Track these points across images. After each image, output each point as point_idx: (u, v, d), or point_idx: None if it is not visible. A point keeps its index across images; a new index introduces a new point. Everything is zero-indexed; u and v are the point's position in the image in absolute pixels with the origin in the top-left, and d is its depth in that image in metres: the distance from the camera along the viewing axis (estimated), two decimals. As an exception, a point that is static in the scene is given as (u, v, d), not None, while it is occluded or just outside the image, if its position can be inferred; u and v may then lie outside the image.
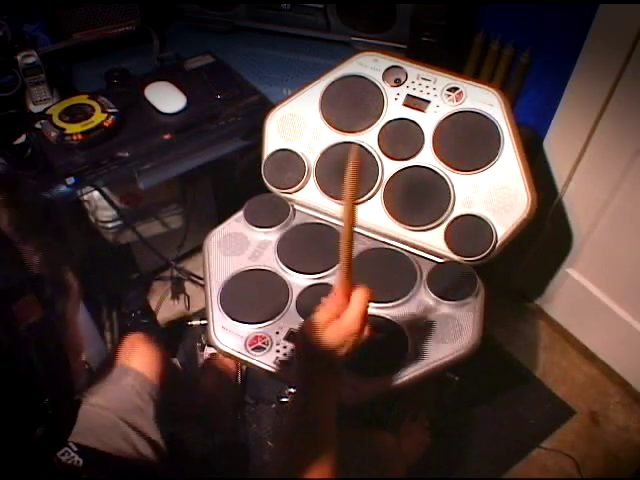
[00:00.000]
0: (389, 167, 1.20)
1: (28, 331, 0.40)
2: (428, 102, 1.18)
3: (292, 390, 1.24)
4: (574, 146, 1.38)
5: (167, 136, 1.24)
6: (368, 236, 1.22)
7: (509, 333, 1.70)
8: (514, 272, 1.71)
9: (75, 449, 0.74)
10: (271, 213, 1.25)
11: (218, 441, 1.45)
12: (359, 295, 0.68)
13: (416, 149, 1.18)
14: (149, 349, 1.09)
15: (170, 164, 1.23)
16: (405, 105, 1.20)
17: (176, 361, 1.59)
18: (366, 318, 0.69)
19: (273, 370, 1.02)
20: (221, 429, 1.47)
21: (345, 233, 0.69)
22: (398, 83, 1.21)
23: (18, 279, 0.40)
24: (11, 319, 0.39)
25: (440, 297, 1.09)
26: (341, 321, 0.67)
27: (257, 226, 1.23)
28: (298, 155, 1.24)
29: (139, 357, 1.06)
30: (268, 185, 1.27)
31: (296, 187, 1.25)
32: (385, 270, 1.16)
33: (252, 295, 1.12)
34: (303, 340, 0.68)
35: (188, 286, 1.78)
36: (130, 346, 1.08)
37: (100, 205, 1.37)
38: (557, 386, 1.60)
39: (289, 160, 1.25)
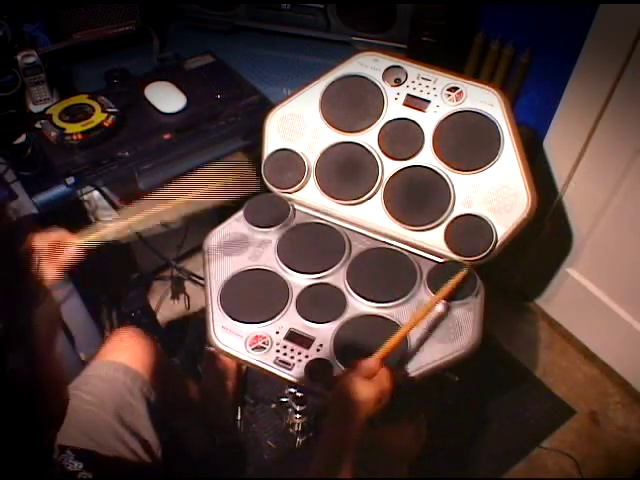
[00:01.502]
0: (389, 167, 1.20)
1: None
2: (428, 102, 1.18)
3: (292, 390, 1.24)
4: (574, 146, 1.38)
5: (167, 136, 1.24)
6: (368, 236, 1.22)
7: (509, 333, 1.70)
8: (514, 272, 1.71)
9: (73, 455, 0.73)
10: (271, 213, 1.25)
11: (218, 441, 1.45)
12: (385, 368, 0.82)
13: (416, 149, 1.18)
14: (139, 343, 1.06)
15: (170, 164, 1.23)
16: (405, 105, 1.20)
17: (176, 361, 1.59)
18: (394, 384, 0.81)
19: (273, 370, 1.02)
20: (221, 429, 1.47)
21: (412, 321, 0.90)
22: (398, 83, 1.21)
23: None
24: None
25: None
26: (378, 380, 0.79)
27: (257, 226, 1.23)
28: (298, 155, 1.24)
29: (129, 352, 1.04)
30: (268, 185, 1.27)
31: (296, 187, 1.25)
32: (385, 270, 1.16)
33: (252, 295, 1.12)
34: (343, 390, 0.77)
35: (188, 286, 1.78)
36: (119, 341, 1.07)
37: (100, 205, 1.36)
38: (557, 386, 1.60)
39: (289, 160, 1.25)
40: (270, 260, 1.18)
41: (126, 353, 1.03)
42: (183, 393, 1.28)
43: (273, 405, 1.49)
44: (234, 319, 1.08)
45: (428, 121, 1.18)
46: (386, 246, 1.20)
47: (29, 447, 0.42)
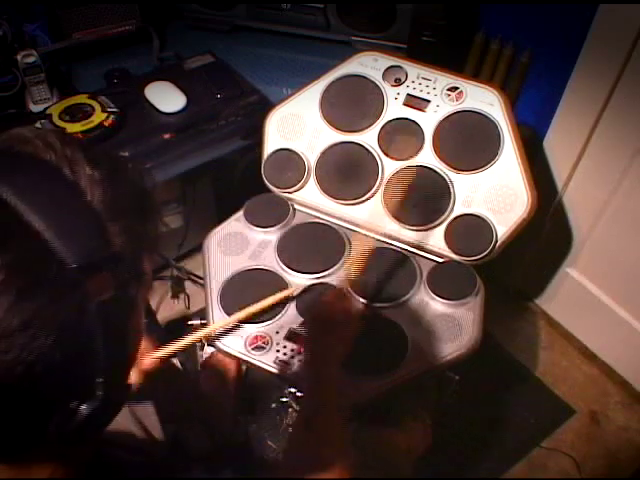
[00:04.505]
0: (389, 167, 1.20)
1: (97, 307, 0.40)
2: (428, 102, 1.18)
3: (292, 390, 1.24)
4: (574, 146, 1.38)
5: (167, 136, 1.24)
6: (368, 236, 1.22)
7: (509, 333, 1.70)
8: (514, 272, 1.71)
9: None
10: (271, 213, 1.25)
11: (218, 441, 1.45)
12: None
13: (416, 149, 1.18)
14: (142, 345, 1.07)
15: (170, 164, 1.23)
16: (405, 105, 1.20)
17: (176, 361, 1.59)
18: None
19: (273, 370, 1.02)
20: (221, 429, 1.46)
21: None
22: (398, 83, 1.21)
23: (100, 255, 0.40)
24: (84, 292, 0.39)
25: (440, 297, 1.09)
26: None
27: (257, 226, 1.23)
28: (298, 155, 1.24)
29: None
30: (268, 185, 1.27)
31: (296, 187, 1.25)
32: (385, 270, 1.16)
33: (252, 295, 1.12)
34: (318, 318, 0.85)
35: (188, 286, 1.78)
36: None
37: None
38: (557, 386, 1.60)
39: (289, 160, 1.25)
40: (270, 260, 1.18)
41: None
42: (184, 394, 1.28)
43: (273, 405, 1.49)
44: (234, 319, 1.08)
45: (428, 121, 1.18)
46: (386, 246, 1.20)
47: (118, 374, 0.45)
